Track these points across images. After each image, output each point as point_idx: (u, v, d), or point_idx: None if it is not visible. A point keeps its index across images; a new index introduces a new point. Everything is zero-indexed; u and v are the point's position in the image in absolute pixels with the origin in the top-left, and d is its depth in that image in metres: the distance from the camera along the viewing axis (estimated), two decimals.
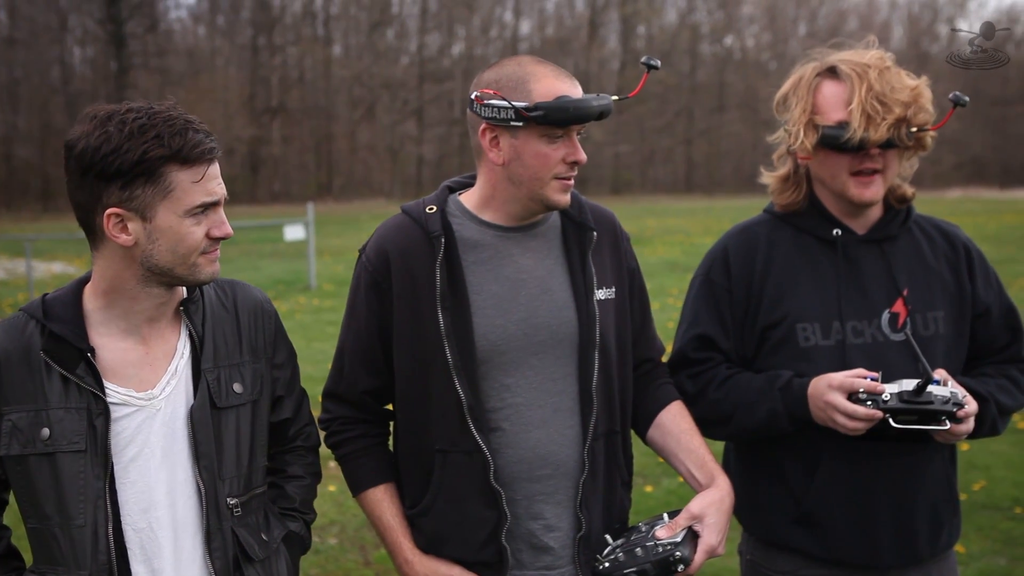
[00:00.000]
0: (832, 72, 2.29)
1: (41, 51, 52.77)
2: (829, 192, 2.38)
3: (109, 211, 1.86)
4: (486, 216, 2.19)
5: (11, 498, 2.02)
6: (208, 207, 1.90)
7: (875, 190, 2.29)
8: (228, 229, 1.94)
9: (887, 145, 2.23)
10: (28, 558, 2.02)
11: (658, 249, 22.11)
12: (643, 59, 2.19)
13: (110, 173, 1.82)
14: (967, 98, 2.23)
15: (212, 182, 1.89)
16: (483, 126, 2.09)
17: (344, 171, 59.77)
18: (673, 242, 24.36)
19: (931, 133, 2.28)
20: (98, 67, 54.13)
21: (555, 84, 2.06)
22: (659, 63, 2.19)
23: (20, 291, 16.54)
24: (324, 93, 59.51)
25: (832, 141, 2.24)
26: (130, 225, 1.87)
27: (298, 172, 58.47)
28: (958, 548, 4.92)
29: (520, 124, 2.03)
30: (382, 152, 60.55)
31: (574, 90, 2.08)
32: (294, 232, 18.06)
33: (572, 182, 2.13)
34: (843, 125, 2.22)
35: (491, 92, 2.06)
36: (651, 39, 66.13)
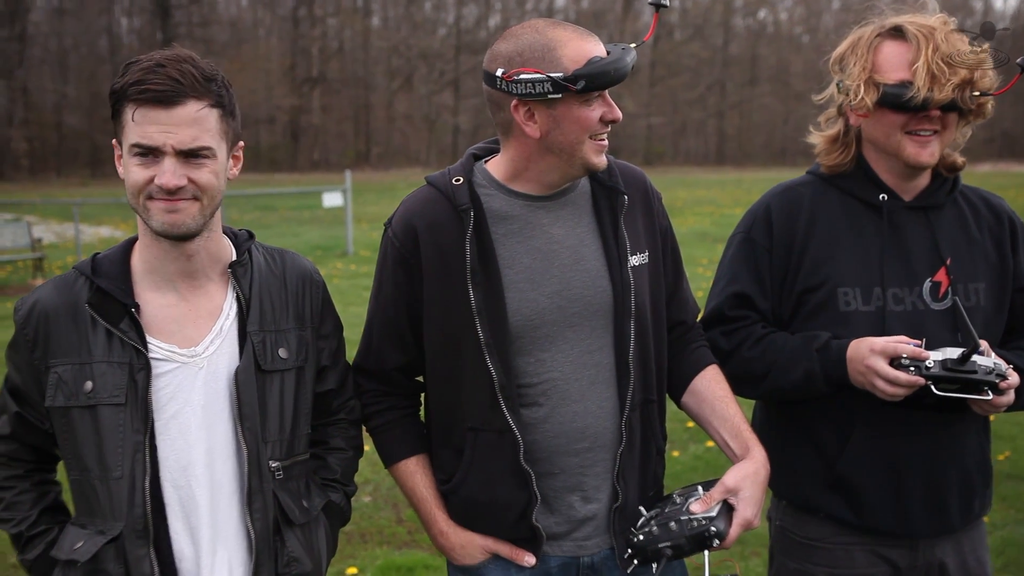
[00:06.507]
0: (895, 32, 2.21)
1: (89, 22, 53.17)
2: (880, 155, 2.30)
3: (113, 141, 1.90)
4: (516, 186, 2.09)
5: None
6: (150, 151, 1.82)
7: (931, 151, 2.21)
8: (167, 179, 1.81)
9: (949, 107, 2.16)
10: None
11: (688, 219, 21.98)
12: None
13: (111, 107, 1.86)
14: None
15: (150, 126, 1.80)
16: (515, 102, 1.98)
17: (382, 140, 59.86)
18: (703, 213, 24.22)
19: (992, 99, 2.20)
20: (144, 37, 54.40)
21: (582, 46, 1.95)
22: (668, 2, 2.08)
23: (69, 254, 16.75)
24: (363, 64, 59.49)
25: (894, 100, 2.16)
26: (121, 158, 1.88)
27: (337, 141, 58.62)
28: None
29: (559, 96, 1.93)
30: (419, 122, 60.52)
31: (599, 47, 1.97)
32: (332, 199, 18.12)
33: (607, 142, 2.05)
34: (906, 84, 2.15)
35: (521, 69, 1.94)
36: (685, 12, 65.38)
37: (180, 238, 1.89)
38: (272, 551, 1.97)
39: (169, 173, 1.81)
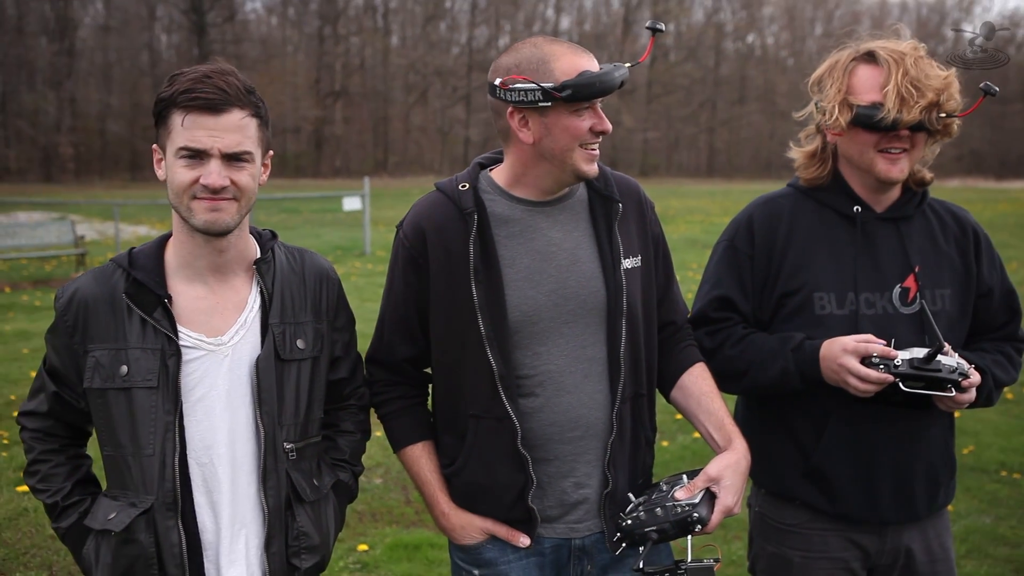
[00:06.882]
0: (869, 57, 2.20)
1: (132, 38, 53.27)
2: (854, 170, 2.29)
3: (154, 146, 1.91)
4: (517, 192, 2.08)
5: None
6: (197, 154, 1.83)
7: (901, 168, 2.20)
8: (213, 180, 1.83)
9: (917, 127, 2.15)
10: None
11: (680, 227, 21.92)
12: (648, 23, 2.08)
13: (154, 115, 1.88)
14: (997, 88, 2.13)
15: (199, 130, 1.82)
16: (510, 109, 1.99)
17: (399, 150, 59.89)
18: (694, 221, 24.16)
19: (957, 120, 2.20)
20: (182, 53, 54.45)
21: (575, 60, 1.95)
22: (663, 26, 2.08)
23: (109, 250, 16.74)
24: (382, 79, 59.50)
25: (866, 120, 2.16)
26: (161, 161, 1.90)
27: (357, 150, 58.62)
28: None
29: (548, 104, 1.93)
30: (433, 133, 60.54)
31: (592, 63, 1.97)
32: (352, 203, 18.09)
33: (597, 151, 2.04)
34: (877, 105, 2.14)
35: (515, 77, 1.95)
36: (680, 36, 65.32)
37: (218, 235, 1.90)
38: (283, 526, 1.97)
39: (215, 174, 1.83)
